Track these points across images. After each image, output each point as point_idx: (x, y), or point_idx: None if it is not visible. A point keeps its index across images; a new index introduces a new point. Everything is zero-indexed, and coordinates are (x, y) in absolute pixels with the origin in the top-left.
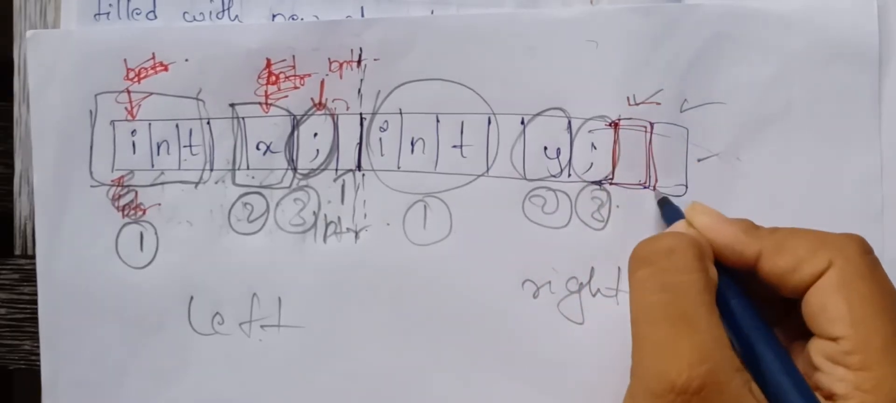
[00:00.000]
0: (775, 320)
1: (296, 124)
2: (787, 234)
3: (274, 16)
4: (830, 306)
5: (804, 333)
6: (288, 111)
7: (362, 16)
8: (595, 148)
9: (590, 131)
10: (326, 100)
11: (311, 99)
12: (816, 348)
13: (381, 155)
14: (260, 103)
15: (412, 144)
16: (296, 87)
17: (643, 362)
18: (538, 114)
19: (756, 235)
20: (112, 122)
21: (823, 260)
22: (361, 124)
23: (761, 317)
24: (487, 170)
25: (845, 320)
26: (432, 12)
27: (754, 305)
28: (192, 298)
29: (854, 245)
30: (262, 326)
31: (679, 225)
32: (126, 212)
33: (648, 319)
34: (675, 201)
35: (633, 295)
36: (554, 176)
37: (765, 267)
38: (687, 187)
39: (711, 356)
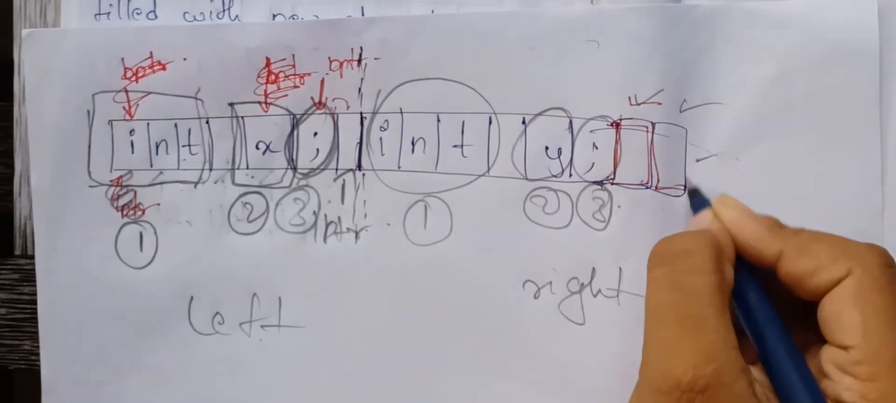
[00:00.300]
0: (794, 322)
1: (295, 123)
2: (811, 238)
3: (274, 15)
4: (844, 315)
5: (821, 339)
6: (287, 110)
7: (363, 15)
8: (596, 148)
9: (591, 131)
10: (326, 99)
11: (311, 98)
12: (827, 355)
13: (382, 154)
14: (259, 102)
15: (413, 144)
16: (296, 86)
17: (651, 360)
18: (539, 114)
19: (780, 235)
20: (110, 122)
21: (843, 267)
22: (362, 123)
23: (778, 315)
24: (488, 169)
25: (857, 330)
26: (433, 11)
27: (773, 303)
28: (192, 298)
29: (876, 256)
30: (262, 326)
31: (704, 217)
32: (125, 212)
33: (659, 318)
34: (676, 201)
35: (648, 293)
36: (555, 176)
37: (784, 267)
38: (686, 188)
39: (718, 357)
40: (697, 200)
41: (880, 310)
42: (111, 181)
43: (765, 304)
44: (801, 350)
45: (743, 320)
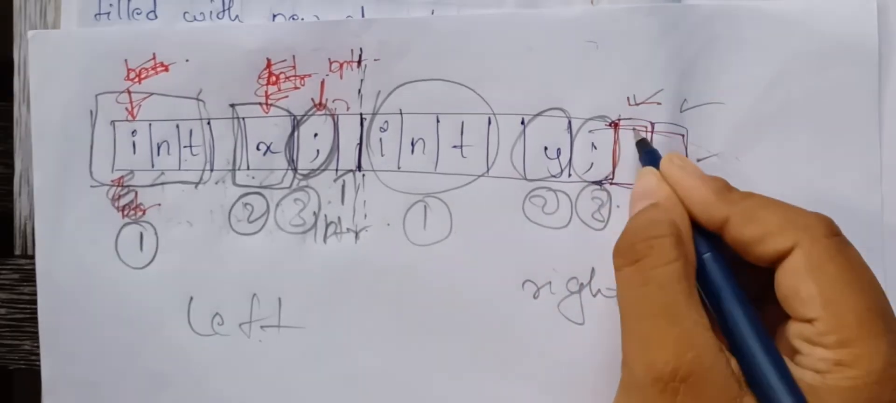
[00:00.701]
0: (764, 293)
1: (296, 124)
2: (758, 204)
3: (274, 16)
4: (802, 289)
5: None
6: (288, 111)
7: (363, 16)
8: (595, 148)
9: (590, 131)
10: (327, 100)
11: (312, 99)
12: (794, 331)
13: (382, 155)
14: (260, 103)
15: (412, 144)
16: (296, 88)
17: (631, 355)
18: (538, 115)
19: (727, 199)
20: (112, 122)
21: (789, 239)
22: (362, 124)
23: (741, 293)
24: (488, 170)
25: (816, 302)
26: (432, 12)
27: (735, 282)
28: (191, 299)
29: (821, 227)
30: (262, 327)
31: (650, 179)
32: (126, 213)
33: (634, 314)
34: None
35: (619, 291)
36: (554, 176)
37: (731, 233)
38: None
39: (695, 342)
40: (647, 155)
41: (834, 278)
42: (112, 181)
43: (727, 287)
44: (771, 324)
45: (709, 304)
